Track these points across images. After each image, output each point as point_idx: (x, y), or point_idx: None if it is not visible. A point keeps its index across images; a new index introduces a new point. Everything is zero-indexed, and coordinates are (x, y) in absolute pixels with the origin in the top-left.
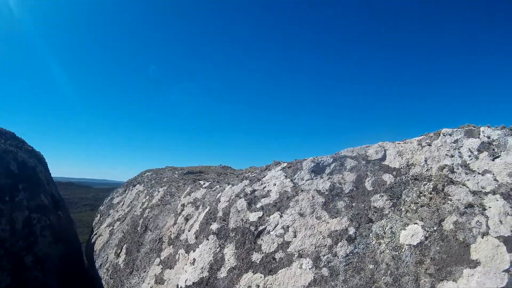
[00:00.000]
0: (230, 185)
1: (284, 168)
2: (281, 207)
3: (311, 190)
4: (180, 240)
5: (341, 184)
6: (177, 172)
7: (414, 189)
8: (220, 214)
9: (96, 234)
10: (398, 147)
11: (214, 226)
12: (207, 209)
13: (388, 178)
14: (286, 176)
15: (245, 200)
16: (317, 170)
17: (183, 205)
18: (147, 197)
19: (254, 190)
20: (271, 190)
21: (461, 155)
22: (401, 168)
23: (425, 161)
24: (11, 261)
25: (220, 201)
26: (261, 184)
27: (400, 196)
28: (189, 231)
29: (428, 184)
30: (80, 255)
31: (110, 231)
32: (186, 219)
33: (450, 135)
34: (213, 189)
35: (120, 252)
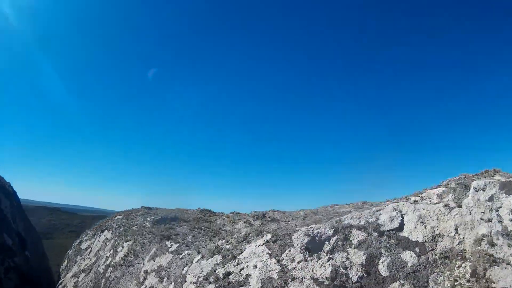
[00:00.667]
0: (199, 256)
1: (267, 242)
2: None
3: (305, 278)
4: None
5: (346, 268)
6: (148, 218)
7: (446, 274)
8: None
9: (61, 283)
10: (418, 209)
11: None
12: (171, 286)
13: (409, 257)
14: (270, 255)
15: (215, 287)
16: (313, 246)
17: (146, 272)
18: (111, 251)
19: (228, 274)
20: (250, 276)
21: (500, 219)
22: (426, 241)
23: (456, 229)
24: None
25: (186, 280)
26: (237, 264)
27: (427, 285)
28: None
29: (464, 265)
30: None
31: (75, 283)
32: None
33: (483, 190)
34: (181, 256)
35: None
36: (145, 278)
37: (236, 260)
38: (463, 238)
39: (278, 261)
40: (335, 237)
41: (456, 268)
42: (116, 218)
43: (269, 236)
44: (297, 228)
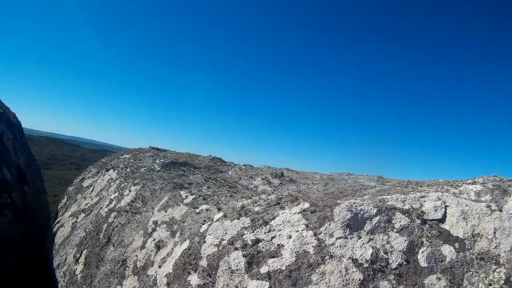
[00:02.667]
0: (220, 214)
1: (304, 211)
2: (299, 281)
3: (344, 257)
4: (148, 276)
5: (386, 252)
6: (157, 161)
7: (481, 275)
8: (204, 262)
9: (58, 222)
10: (461, 204)
11: (194, 280)
12: (185, 244)
13: (448, 251)
14: (307, 226)
15: (243, 254)
16: (354, 224)
17: (155, 222)
18: (117, 193)
19: (258, 241)
20: (283, 246)
21: None
22: (465, 238)
23: (494, 233)
24: None
25: (205, 241)
26: (269, 231)
27: (462, 283)
28: (159, 267)
29: (498, 270)
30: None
31: (73, 224)
32: (158, 247)
33: None
34: (197, 210)
35: (79, 257)
36: (153, 230)
37: (268, 227)
38: (499, 243)
39: (315, 234)
40: (377, 217)
41: (491, 272)
42: (123, 157)
43: (307, 204)
44: (339, 202)
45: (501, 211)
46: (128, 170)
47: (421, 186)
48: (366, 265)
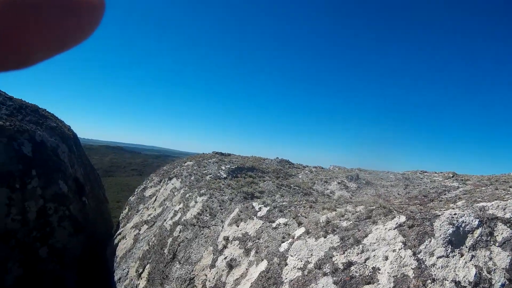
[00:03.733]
0: (302, 229)
1: (401, 226)
2: None
3: (447, 280)
4: None
5: (490, 271)
6: (223, 167)
7: None
8: None
9: (120, 234)
10: None
11: None
12: (263, 265)
13: None
14: (405, 244)
15: (333, 281)
16: (456, 239)
17: (226, 238)
18: (181, 204)
19: (350, 264)
20: (379, 270)
21: None
22: None
23: None
24: (24, 252)
25: (287, 263)
26: (362, 251)
27: None
28: None
29: None
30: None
31: (135, 236)
32: (230, 266)
33: None
34: (274, 225)
35: (142, 272)
36: (224, 246)
37: (360, 246)
38: None
39: (414, 254)
40: (479, 230)
41: None
42: (186, 164)
43: (403, 218)
44: (438, 213)
45: None
46: (192, 178)
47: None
48: (469, 287)
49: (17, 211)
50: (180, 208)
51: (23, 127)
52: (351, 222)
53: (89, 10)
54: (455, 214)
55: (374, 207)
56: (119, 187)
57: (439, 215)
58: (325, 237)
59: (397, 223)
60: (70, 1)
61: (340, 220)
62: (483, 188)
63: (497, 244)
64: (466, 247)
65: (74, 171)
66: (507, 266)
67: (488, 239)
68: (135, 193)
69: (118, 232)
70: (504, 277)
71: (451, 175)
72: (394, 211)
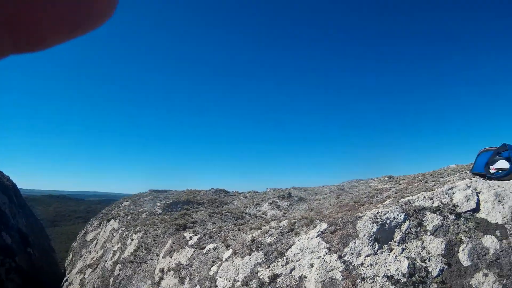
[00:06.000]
0: (230, 251)
1: (323, 233)
2: None
3: (378, 276)
4: None
5: (424, 260)
6: (158, 203)
7: None
8: None
9: (67, 280)
10: (493, 187)
11: None
12: None
13: (490, 242)
14: (329, 250)
15: None
16: (382, 236)
17: (162, 270)
18: (119, 244)
19: (276, 276)
20: (305, 278)
21: None
22: (505, 223)
23: None
24: None
25: (216, 284)
26: (287, 262)
27: (511, 273)
28: None
29: None
30: None
31: (81, 280)
32: None
33: None
34: (204, 251)
35: None
36: (161, 278)
37: (284, 258)
38: None
39: (340, 257)
40: (407, 223)
41: None
42: (123, 204)
43: (324, 225)
44: (361, 214)
45: None
46: (129, 217)
47: (442, 177)
48: (404, 279)
49: None
50: (118, 248)
51: None
52: (275, 237)
53: None
54: (378, 212)
55: (296, 220)
56: (66, 236)
57: (361, 216)
58: (250, 255)
59: (319, 231)
60: None
61: (265, 236)
62: (415, 184)
63: (428, 233)
64: (395, 242)
65: (16, 222)
66: (443, 252)
67: (418, 230)
68: (77, 238)
69: (64, 279)
70: (442, 262)
71: (386, 178)
72: (316, 220)
